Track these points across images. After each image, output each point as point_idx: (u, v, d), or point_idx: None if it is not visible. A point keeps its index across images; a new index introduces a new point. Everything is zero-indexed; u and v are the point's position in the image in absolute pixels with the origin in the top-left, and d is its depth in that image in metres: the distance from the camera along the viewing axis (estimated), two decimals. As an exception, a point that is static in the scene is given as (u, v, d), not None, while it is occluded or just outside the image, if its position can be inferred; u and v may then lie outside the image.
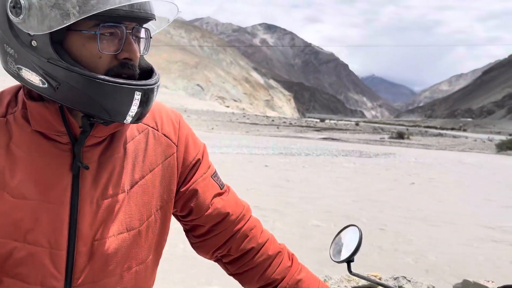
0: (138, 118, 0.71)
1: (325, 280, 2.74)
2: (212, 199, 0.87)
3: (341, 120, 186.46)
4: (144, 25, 0.75)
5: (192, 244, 0.94)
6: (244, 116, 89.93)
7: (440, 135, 73.16)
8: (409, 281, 4.06)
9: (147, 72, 0.78)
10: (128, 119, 0.70)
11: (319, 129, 68.56)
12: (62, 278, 0.74)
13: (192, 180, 0.86)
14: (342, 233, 1.02)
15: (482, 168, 21.76)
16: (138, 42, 0.75)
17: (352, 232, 0.99)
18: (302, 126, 75.04)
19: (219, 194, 0.89)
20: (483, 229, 8.23)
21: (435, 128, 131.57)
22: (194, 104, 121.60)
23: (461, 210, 10.05)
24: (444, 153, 32.82)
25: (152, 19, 0.74)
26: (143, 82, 0.70)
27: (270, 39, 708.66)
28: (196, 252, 0.94)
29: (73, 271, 0.75)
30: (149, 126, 0.84)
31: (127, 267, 0.80)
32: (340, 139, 46.85)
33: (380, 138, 52.69)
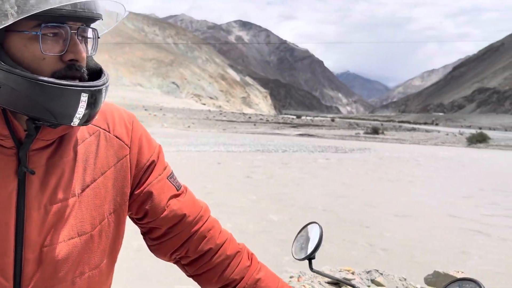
0: (86, 120, 0.69)
1: (299, 275, 2.88)
2: (168, 201, 0.86)
3: (317, 116, 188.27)
4: (92, 25, 0.73)
5: (149, 246, 0.93)
6: (220, 114, 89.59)
7: (414, 129, 74.89)
8: (381, 274, 4.22)
9: (96, 73, 0.76)
10: (76, 121, 0.68)
11: (296, 126, 69.06)
12: (10, 286, 0.72)
13: (147, 182, 0.85)
14: (303, 231, 1.03)
15: (454, 161, 22.50)
16: (85, 43, 0.73)
17: (313, 230, 1.00)
18: (279, 123, 75.39)
19: (176, 196, 0.88)
20: (454, 221, 8.57)
21: (409, 123, 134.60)
22: (169, 102, 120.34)
23: (433, 202, 10.43)
24: (417, 147, 33.69)
25: (98, 19, 0.72)
26: (90, 83, 0.69)
27: (245, 36, 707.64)
28: (154, 254, 0.93)
29: (21, 279, 0.73)
30: (100, 128, 0.81)
31: (79, 272, 0.77)
32: (317, 135, 47.40)
33: (356, 134, 53.58)
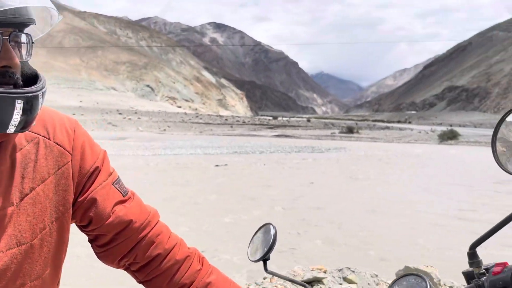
0: (23, 127, 0.68)
1: (272, 276, 2.91)
2: (113, 207, 0.85)
3: (293, 117, 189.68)
4: (25, 30, 0.71)
5: (96, 254, 0.91)
6: (197, 116, 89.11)
7: (387, 128, 76.38)
8: (353, 271, 4.33)
9: (33, 79, 0.74)
10: (11, 128, 0.66)
11: (272, 127, 69.37)
12: None
13: (91, 189, 0.83)
14: (259, 232, 1.04)
15: (426, 158, 23.10)
16: (19, 48, 0.71)
17: (267, 231, 1.01)
18: (256, 124, 75.57)
19: (121, 202, 0.86)
20: (425, 216, 8.81)
21: (382, 121, 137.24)
22: (144, 105, 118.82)
23: (405, 199, 10.69)
24: (391, 145, 34.40)
25: (30, 24, 0.70)
26: (25, 89, 0.67)
27: (220, 38, 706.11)
28: (102, 261, 0.91)
29: None
30: (39, 135, 0.79)
31: (20, 283, 0.75)
32: (293, 136, 47.76)
33: (331, 133, 54.28)
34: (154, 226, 0.90)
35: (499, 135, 0.60)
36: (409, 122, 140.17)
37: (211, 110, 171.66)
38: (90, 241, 0.89)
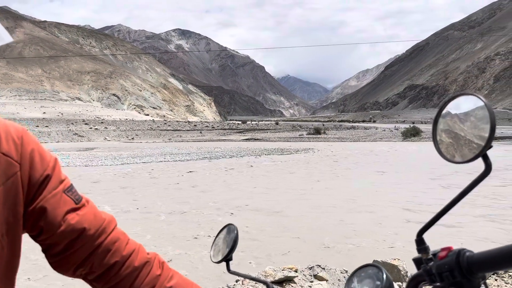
0: None
1: (244, 278, 3.01)
2: (64, 216, 0.82)
3: (262, 120, 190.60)
4: None
5: (50, 263, 0.87)
6: (165, 123, 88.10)
7: (353, 127, 78.07)
8: (323, 269, 4.49)
9: None
10: None
11: (242, 131, 69.51)
12: None
13: (40, 198, 0.81)
14: (221, 233, 1.04)
15: (391, 155, 23.83)
16: None
17: (229, 232, 1.01)
18: (225, 129, 75.51)
19: (74, 210, 0.84)
20: (392, 211, 9.14)
21: (348, 121, 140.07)
22: (111, 114, 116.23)
23: (370, 195, 11.03)
24: (358, 144, 35.23)
25: None
26: None
27: (185, 44, 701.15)
28: (57, 271, 0.88)
29: None
30: None
31: None
32: (263, 139, 48.04)
33: (300, 135, 54.98)
34: (110, 233, 0.88)
35: (444, 127, 0.63)
36: (374, 121, 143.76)
37: (180, 117, 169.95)
38: (43, 251, 0.86)
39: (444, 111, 0.63)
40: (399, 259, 4.46)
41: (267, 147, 32.75)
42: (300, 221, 8.13)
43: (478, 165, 0.53)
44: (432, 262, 0.62)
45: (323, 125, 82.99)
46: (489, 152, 0.55)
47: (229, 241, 0.98)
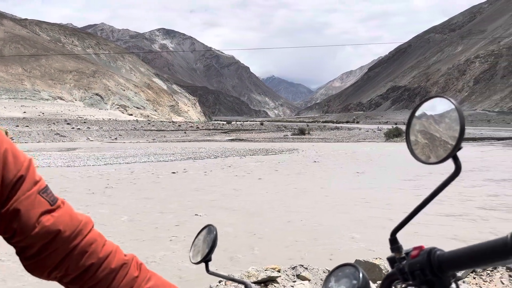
0: None
1: (227, 279, 3.01)
2: (39, 217, 0.80)
3: (247, 120, 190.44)
4: None
5: (24, 266, 0.85)
6: (149, 124, 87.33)
7: (337, 128, 78.70)
8: (306, 268, 4.53)
9: None
10: None
11: (227, 131, 69.38)
12: None
13: (14, 199, 0.79)
14: (200, 234, 1.04)
15: (374, 155, 24.11)
16: None
17: (208, 232, 1.01)
18: (210, 129, 75.24)
19: (49, 211, 0.82)
20: (374, 211, 9.25)
21: (332, 122, 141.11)
22: (94, 114, 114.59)
23: (353, 195, 11.15)
24: (341, 145, 35.53)
25: None
26: None
27: (170, 44, 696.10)
28: (31, 274, 0.85)
29: None
30: None
31: None
32: (247, 139, 48.04)
33: (284, 136, 55.17)
34: (87, 234, 0.86)
35: (420, 128, 0.64)
36: (357, 122, 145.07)
37: (164, 117, 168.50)
38: (17, 253, 0.84)
39: (419, 113, 0.64)
40: (380, 258, 4.52)
41: (251, 147, 32.77)
42: (279, 221, 8.16)
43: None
44: (405, 261, 0.63)
45: (308, 125, 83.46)
46: (460, 153, 0.56)
47: (208, 242, 0.98)
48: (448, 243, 6.42)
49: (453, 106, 0.59)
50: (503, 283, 3.73)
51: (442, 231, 7.23)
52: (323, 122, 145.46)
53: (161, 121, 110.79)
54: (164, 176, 15.37)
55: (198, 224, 7.95)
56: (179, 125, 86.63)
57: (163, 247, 6.50)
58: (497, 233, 7.11)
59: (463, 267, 0.57)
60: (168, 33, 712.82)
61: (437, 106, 0.62)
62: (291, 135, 56.73)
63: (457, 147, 0.58)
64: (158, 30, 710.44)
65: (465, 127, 0.59)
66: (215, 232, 0.98)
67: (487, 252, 0.53)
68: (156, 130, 68.87)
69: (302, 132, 57.34)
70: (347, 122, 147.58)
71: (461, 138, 0.57)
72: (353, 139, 45.47)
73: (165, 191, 11.98)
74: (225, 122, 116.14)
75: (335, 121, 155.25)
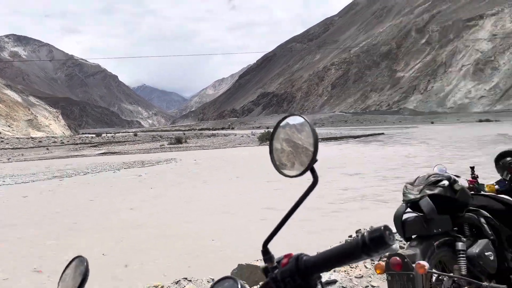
0: None
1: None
2: None
3: (119, 132, 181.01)
4: None
5: None
6: (2, 141, 76.87)
7: (214, 135, 79.82)
8: (190, 281, 4.45)
9: None
10: None
11: (97, 145, 64.75)
12: None
13: None
14: (68, 268, 0.91)
15: (250, 159, 25.02)
16: None
17: (78, 265, 0.88)
18: (77, 144, 69.44)
19: None
20: (253, 213, 9.54)
21: (208, 129, 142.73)
22: None
23: (231, 199, 11.38)
24: (219, 152, 36.06)
25: None
26: None
27: (22, 52, 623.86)
28: None
29: None
30: None
31: None
32: (121, 152, 45.48)
33: (161, 146, 53.72)
34: None
35: (285, 136, 0.68)
36: (232, 128, 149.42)
37: (20, 133, 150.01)
38: None
39: (282, 123, 0.69)
40: (262, 260, 4.64)
41: (126, 160, 31.15)
42: (156, 233, 7.89)
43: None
44: (277, 270, 0.68)
45: (184, 134, 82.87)
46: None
47: (78, 276, 0.85)
48: (305, 242, 6.94)
49: (308, 124, 0.65)
50: (366, 267, 4.16)
51: (298, 229, 7.77)
52: (199, 129, 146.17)
53: (17, 138, 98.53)
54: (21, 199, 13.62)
55: (50, 249, 7.24)
56: (40, 141, 78.10)
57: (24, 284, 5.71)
58: (342, 226, 7.94)
59: (327, 268, 0.63)
60: (20, 39, 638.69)
61: (297, 120, 0.68)
62: (168, 144, 55.59)
63: (313, 161, 0.64)
64: (7, 36, 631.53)
65: (319, 142, 0.66)
66: (86, 264, 0.86)
67: (344, 253, 0.60)
68: (12, 149, 60.99)
69: (179, 141, 56.65)
70: (222, 128, 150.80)
71: (315, 153, 0.63)
72: (229, 144, 46.58)
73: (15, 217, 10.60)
74: (94, 135, 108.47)
75: (211, 128, 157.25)
